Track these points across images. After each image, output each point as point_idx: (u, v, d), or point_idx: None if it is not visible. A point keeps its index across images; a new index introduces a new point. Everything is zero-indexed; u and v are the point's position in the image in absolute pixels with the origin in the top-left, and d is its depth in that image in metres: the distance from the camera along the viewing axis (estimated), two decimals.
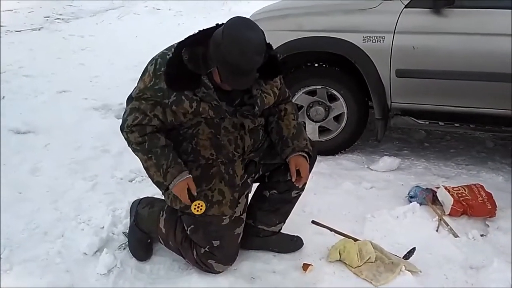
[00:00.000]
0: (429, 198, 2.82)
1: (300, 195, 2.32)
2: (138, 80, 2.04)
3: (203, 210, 2.02)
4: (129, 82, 4.75)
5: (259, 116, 2.14)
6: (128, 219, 2.48)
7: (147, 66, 2.01)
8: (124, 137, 2.08)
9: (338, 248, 2.28)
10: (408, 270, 2.22)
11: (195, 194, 2.03)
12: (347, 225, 2.60)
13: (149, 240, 2.34)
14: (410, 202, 2.81)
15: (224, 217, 2.10)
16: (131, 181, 3.08)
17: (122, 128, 2.06)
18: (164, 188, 2.08)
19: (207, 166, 2.09)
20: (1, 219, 2.55)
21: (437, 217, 2.67)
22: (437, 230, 2.58)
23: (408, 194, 2.90)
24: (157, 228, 2.23)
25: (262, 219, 2.31)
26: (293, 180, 2.16)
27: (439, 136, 3.98)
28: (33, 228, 2.52)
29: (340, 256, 2.27)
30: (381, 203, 2.87)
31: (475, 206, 2.67)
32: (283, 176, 2.21)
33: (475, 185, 2.84)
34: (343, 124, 3.46)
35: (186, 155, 2.08)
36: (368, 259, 2.25)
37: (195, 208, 2.01)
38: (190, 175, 2.04)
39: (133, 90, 2.05)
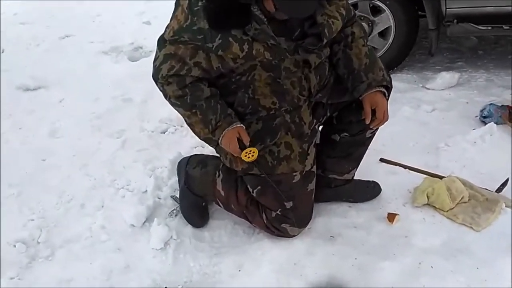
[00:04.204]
0: (505, 115, 2.50)
1: (374, 134, 1.98)
2: (170, 17, 1.67)
3: (255, 157, 1.70)
4: (135, 17, 4.33)
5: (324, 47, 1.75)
6: (173, 180, 2.20)
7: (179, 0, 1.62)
8: (159, 89, 1.75)
9: (426, 191, 1.97)
10: (507, 207, 1.92)
11: (247, 144, 1.71)
12: (418, 158, 2.31)
13: (203, 204, 2.05)
14: (485, 123, 2.50)
15: (294, 174, 1.78)
16: (164, 133, 2.73)
17: (155, 79, 1.73)
18: (215, 144, 1.79)
19: (269, 117, 1.76)
20: (29, 194, 2.26)
21: None
22: None
23: (481, 113, 2.57)
24: (214, 190, 1.94)
25: (333, 168, 2.00)
26: (367, 122, 1.80)
27: (492, 41, 3.55)
28: (68, 201, 2.23)
29: (428, 200, 1.96)
30: (450, 127, 2.56)
31: None
32: (355, 116, 1.86)
33: None
34: (390, 40, 3.08)
35: (242, 107, 1.74)
36: (461, 199, 1.95)
37: (245, 155, 1.69)
38: (242, 125, 1.72)
39: (165, 30, 1.69)
